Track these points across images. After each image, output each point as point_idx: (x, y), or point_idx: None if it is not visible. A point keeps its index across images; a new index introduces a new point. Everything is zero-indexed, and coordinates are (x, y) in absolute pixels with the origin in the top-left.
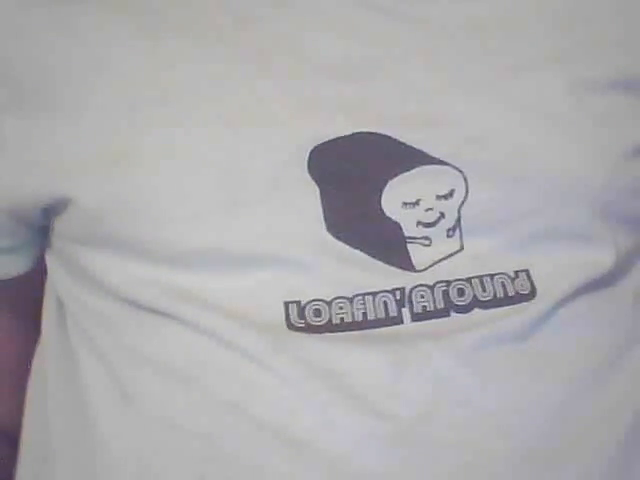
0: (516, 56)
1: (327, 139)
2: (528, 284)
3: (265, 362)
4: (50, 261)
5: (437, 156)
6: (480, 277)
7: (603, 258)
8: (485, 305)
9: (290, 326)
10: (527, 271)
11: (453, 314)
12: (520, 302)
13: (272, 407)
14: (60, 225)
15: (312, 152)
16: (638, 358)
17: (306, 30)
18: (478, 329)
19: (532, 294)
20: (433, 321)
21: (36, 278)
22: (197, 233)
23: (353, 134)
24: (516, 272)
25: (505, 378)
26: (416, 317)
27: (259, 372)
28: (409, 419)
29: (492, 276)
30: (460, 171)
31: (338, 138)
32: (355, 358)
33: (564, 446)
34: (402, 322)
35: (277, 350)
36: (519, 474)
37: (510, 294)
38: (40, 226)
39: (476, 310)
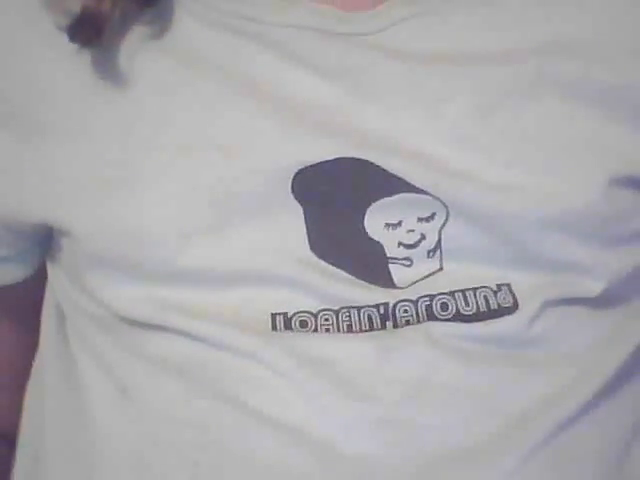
0: (499, 88)
1: (311, 163)
2: (510, 297)
3: (257, 356)
4: (50, 267)
5: (417, 185)
6: (463, 291)
7: (588, 282)
8: (468, 319)
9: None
10: (509, 285)
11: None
12: (502, 315)
13: (264, 397)
14: (56, 239)
15: (296, 175)
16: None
17: (291, 66)
18: (461, 329)
19: (515, 306)
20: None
21: (37, 283)
22: (186, 254)
23: (336, 159)
24: (498, 285)
25: (489, 364)
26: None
27: (251, 365)
28: (394, 402)
29: (475, 290)
30: (440, 200)
31: (321, 162)
32: (342, 346)
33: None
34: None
35: (267, 345)
36: (505, 455)
37: (493, 307)
38: (40, 235)
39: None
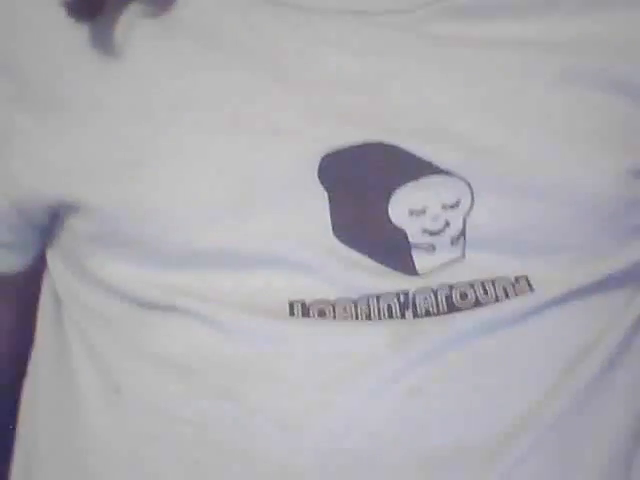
0: (529, 72)
1: (338, 148)
2: (527, 288)
3: (265, 350)
4: (51, 258)
5: (444, 167)
6: (482, 281)
7: (607, 268)
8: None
9: None
10: (526, 277)
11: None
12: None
13: (268, 393)
14: (67, 224)
15: (322, 160)
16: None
17: (319, 45)
18: (476, 316)
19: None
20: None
21: (34, 276)
22: (207, 235)
23: (363, 143)
24: (516, 278)
25: (499, 359)
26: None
27: (257, 359)
28: (401, 396)
29: (493, 281)
30: (467, 182)
31: (348, 147)
32: (356, 339)
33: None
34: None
35: (279, 338)
36: (513, 448)
37: (511, 298)
38: (43, 223)
39: None
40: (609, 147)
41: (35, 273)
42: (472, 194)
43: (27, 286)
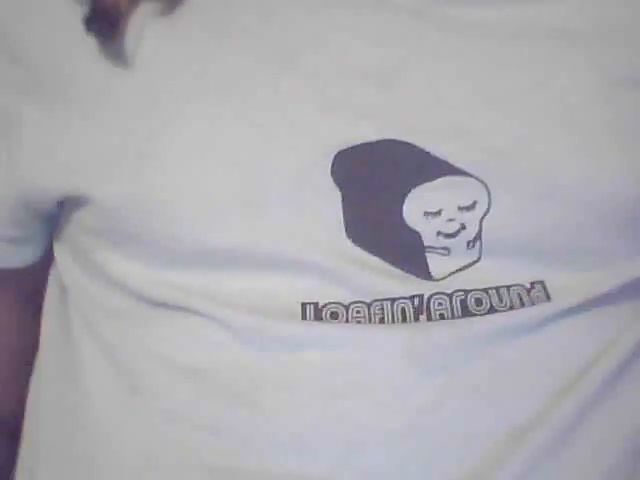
0: (548, 66)
1: (352, 144)
2: (544, 295)
3: (278, 357)
4: (59, 251)
5: (461, 167)
6: (497, 288)
7: (625, 274)
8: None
9: None
10: (542, 282)
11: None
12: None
13: (282, 400)
14: (74, 217)
15: (336, 156)
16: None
17: (333, 31)
18: (492, 321)
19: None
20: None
21: (41, 269)
22: (217, 232)
23: (378, 141)
24: (532, 283)
25: (514, 369)
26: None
27: (270, 364)
28: (417, 410)
29: (508, 287)
30: (484, 183)
31: (363, 144)
32: (369, 347)
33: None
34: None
35: (291, 342)
36: (530, 465)
37: (526, 305)
38: (51, 217)
39: None
40: (631, 146)
41: (42, 267)
42: (489, 196)
43: (34, 280)
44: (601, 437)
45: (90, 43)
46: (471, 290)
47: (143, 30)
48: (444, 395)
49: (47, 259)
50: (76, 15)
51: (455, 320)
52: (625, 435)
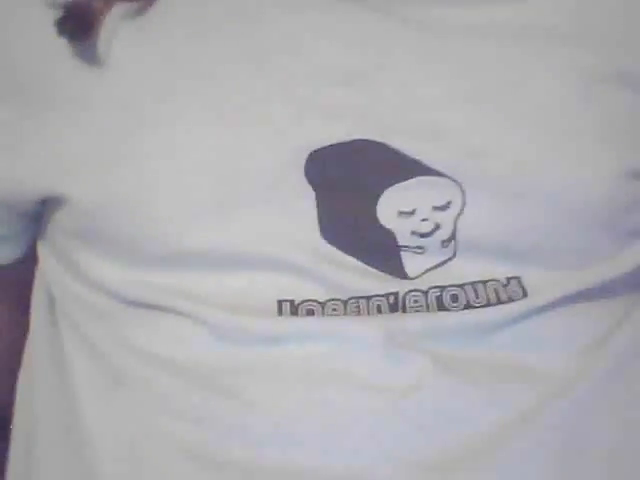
0: (524, 65)
1: (325, 144)
2: (520, 290)
3: (257, 350)
4: (42, 250)
5: (435, 167)
6: (473, 283)
7: (605, 272)
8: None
9: None
10: (519, 278)
11: None
12: (514, 301)
13: (261, 390)
14: (53, 218)
15: (310, 156)
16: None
17: (308, 32)
18: (467, 314)
19: (524, 296)
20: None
21: (27, 265)
22: (192, 233)
23: (352, 141)
24: (508, 279)
25: (491, 361)
26: None
27: (249, 357)
28: (400, 392)
29: (484, 282)
30: (458, 183)
31: (336, 144)
32: (348, 336)
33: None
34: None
35: (269, 337)
36: (508, 442)
37: (503, 300)
38: (34, 214)
39: None
40: (610, 146)
41: (28, 264)
42: (463, 196)
43: (20, 277)
44: (580, 435)
45: (65, 45)
46: (447, 286)
47: (117, 31)
48: (425, 377)
49: (34, 257)
50: (51, 17)
51: (430, 312)
52: (610, 440)
